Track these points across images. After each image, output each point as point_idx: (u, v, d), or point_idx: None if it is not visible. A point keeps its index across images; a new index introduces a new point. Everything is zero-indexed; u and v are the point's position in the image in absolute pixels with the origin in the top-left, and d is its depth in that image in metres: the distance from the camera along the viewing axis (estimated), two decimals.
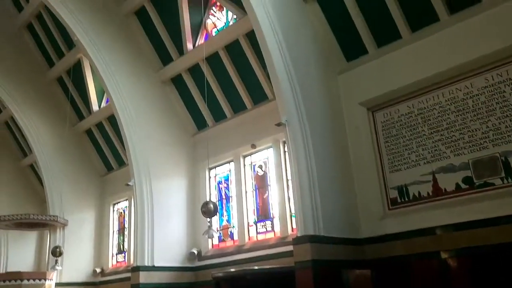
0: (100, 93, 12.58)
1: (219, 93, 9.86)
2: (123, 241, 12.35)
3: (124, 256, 12.13)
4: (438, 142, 6.72)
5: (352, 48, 7.78)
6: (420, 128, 6.97)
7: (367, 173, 7.31)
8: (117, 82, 10.22)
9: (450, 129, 6.63)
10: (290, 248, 7.02)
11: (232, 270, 7.62)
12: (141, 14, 10.54)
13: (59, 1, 9.93)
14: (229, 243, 9.55)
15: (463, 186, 6.34)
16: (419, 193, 6.75)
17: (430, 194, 6.63)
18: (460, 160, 6.42)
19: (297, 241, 6.52)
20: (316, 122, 7.30)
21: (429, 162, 6.74)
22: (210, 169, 10.25)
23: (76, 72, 12.41)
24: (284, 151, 8.70)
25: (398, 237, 6.70)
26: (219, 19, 9.80)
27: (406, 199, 6.88)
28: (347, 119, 7.73)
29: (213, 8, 9.88)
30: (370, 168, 7.29)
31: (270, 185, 9.06)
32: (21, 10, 12.80)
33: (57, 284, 10.85)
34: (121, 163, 12.58)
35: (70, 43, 11.82)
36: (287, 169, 8.44)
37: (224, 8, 9.58)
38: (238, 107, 9.73)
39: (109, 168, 13.17)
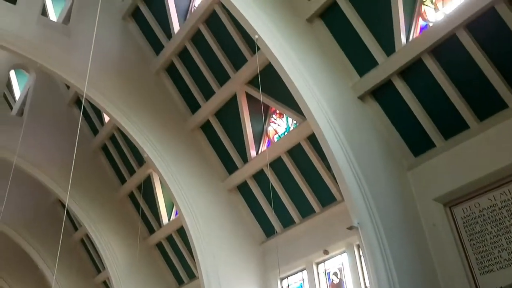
0: (170, 206, 13.10)
1: (286, 198, 9.94)
2: None
3: None
4: None
5: (418, 143, 7.72)
6: (507, 223, 6.52)
7: (454, 276, 6.81)
8: (185, 194, 10.68)
9: None
10: None
11: None
12: (206, 127, 11.27)
13: (129, 122, 10.90)
14: None
15: None
16: None
17: None
18: None
19: None
20: (390, 222, 7.09)
21: None
22: (282, 279, 10.01)
23: (147, 187, 13.14)
24: (360, 256, 8.38)
25: None
26: (279, 125, 10.23)
27: None
28: (423, 217, 7.43)
29: (273, 115, 10.38)
30: (457, 270, 6.79)
31: None
32: (96, 134, 14.09)
33: None
34: (192, 276, 12.63)
35: (141, 159, 12.69)
36: (365, 275, 8.05)
37: (284, 115, 10.02)
38: (306, 211, 9.69)
39: (180, 282, 13.23)
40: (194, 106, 11.29)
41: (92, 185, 13.88)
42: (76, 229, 16.05)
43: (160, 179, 11.98)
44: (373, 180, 7.44)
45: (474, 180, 6.89)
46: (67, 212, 14.05)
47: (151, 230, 13.65)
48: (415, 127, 7.61)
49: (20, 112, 14.63)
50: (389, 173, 7.73)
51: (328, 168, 8.79)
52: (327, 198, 9.26)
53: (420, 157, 7.69)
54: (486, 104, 6.86)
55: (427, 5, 7.36)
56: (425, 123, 7.49)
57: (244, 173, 10.60)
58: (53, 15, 14.10)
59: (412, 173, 7.76)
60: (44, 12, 12.91)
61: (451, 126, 7.27)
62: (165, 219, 13.11)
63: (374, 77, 7.77)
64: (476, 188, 6.91)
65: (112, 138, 13.76)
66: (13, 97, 16.47)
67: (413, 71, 7.41)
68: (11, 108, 16.07)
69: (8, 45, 10.18)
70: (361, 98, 8.07)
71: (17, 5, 10.63)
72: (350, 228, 7.08)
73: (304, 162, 9.47)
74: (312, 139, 8.91)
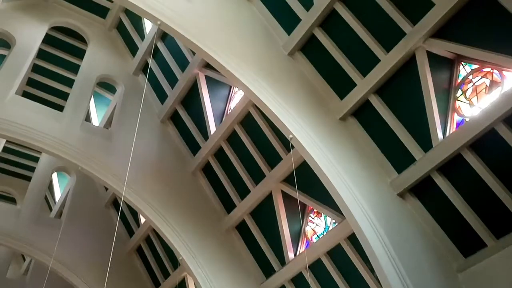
0: None
1: None
2: None
3: None
4: None
5: (467, 242, 7.45)
6: None
7: None
8: None
9: None
10: None
11: None
12: (241, 228, 11.31)
13: (165, 223, 11.10)
14: None
15: None
16: None
17: None
18: None
19: None
20: None
21: None
22: None
23: None
24: None
25: None
26: (318, 225, 10.15)
27: None
28: None
29: (311, 215, 10.35)
30: None
31: None
32: (132, 235, 14.30)
33: None
34: None
35: (175, 262, 12.68)
36: None
37: (322, 214, 9.98)
38: None
39: None
40: (229, 206, 11.45)
41: None
42: None
43: (194, 283, 11.82)
44: (420, 283, 7.15)
45: None
46: None
47: None
48: (462, 225, 7.40)
49: (59, 214, 15.20)
50: (438, 276, 7.40)
51: (371, 270, 8.51)
52: None
53: (471, 258, 7.35)
54: None
55: (461, 101, 7.53)
56: (472, 220, 7.28)
57: (281, 276, 10.33)
58: (95, 119, 15.19)
59: (464, 275, 7.39)
60: (87, 117, 13.95)
61: (501, 223, 7.03)
62: None
63: (413, 174, 7.76)
64: None
65: (148, 240, 13.91)
66: (54, 199, 17.24)
67: (453, 167, 7.38)
68: (51, 209, 16.76)
69: (52, 150, 10.93)
70: (401, 195, 8.02)
71: (64, 112, 11.61)
72: None
73: (345, 264, 9.20)
74: (353, 239, 8.74)
